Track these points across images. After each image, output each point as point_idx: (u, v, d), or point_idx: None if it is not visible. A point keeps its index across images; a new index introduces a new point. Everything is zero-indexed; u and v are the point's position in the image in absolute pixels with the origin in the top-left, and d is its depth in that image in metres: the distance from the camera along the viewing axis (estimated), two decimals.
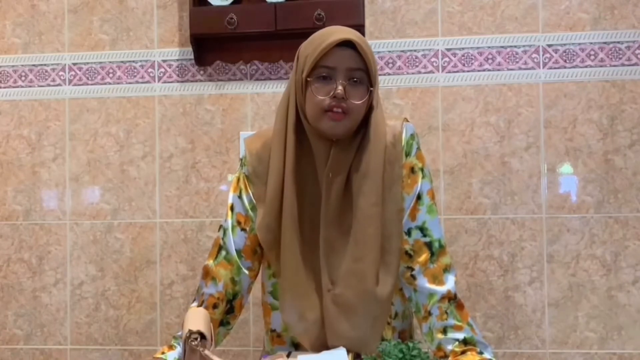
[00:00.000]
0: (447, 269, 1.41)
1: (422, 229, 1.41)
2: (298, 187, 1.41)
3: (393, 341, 1.23)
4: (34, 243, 2.32)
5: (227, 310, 1.47)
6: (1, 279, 2.33)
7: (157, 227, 2.27)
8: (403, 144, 1.42)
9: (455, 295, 1.40)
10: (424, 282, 1.40)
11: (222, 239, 1.48)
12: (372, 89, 1.37)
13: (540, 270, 2.15)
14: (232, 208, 1.48)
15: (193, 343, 1.25)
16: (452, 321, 1.37)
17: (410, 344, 1.21)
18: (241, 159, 1.52)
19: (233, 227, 1.47)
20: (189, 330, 1.26)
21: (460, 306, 1.40)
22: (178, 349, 1.41)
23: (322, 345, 1.41)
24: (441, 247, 1.42)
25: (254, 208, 1.47)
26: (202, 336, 1.26)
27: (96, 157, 2.30)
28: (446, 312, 1.38)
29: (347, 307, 1.38)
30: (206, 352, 1.24)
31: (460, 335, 1.37)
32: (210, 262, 1.47)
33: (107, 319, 2.29)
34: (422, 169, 1.43)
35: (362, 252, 1.37)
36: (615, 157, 2.13)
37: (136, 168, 2.29)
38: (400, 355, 1.19)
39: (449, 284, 1.40)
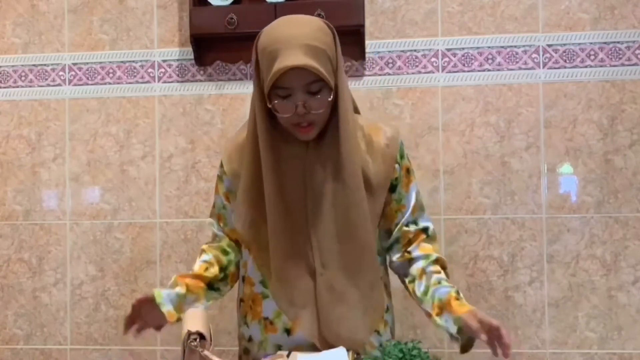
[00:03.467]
0: (437, 250, 1.52)
1: (416, 223, 1.52)
2: (277, 176, 1.42)
3: (393, 341, 1.24)
4: (34, 243, 2.32)
5: (220, 278, 1.54)
6: (1, 279, 2.33)
7: (157, 227, 2.27)
8: (398, 147, 1.49)
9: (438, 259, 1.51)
10: (419, 251, 1.50)
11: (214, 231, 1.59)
12: (333, 86, 1.36)
13: (540, 270, 2.14)
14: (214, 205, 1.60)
15: (192, 344, 1.25)
16: (444, 277, 1.48)
17: (410, 344, 1.21)
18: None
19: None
20: (188, 331, 1.26)
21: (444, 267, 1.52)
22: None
23: (315, 330, 1.43)
24: (433, 234, 1.54)
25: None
26: (202, 337, 1.26)
27: (96, 157, 2.30)
28: (439, 270, 1.48)
29: (339, 290, 1.42)
30: (205, 352, 1.24)
31: (452, 288, 1.44)
32: (205, 246, 1.58)
33: (107, 319, 2.29)
34: (413, 172, 1.54)
35: (351, 235, 1.42)
36: (615, 157, 2.13)
37: (136, 168, 2.29)
38: (400, 355, 1.20)
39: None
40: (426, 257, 1.49)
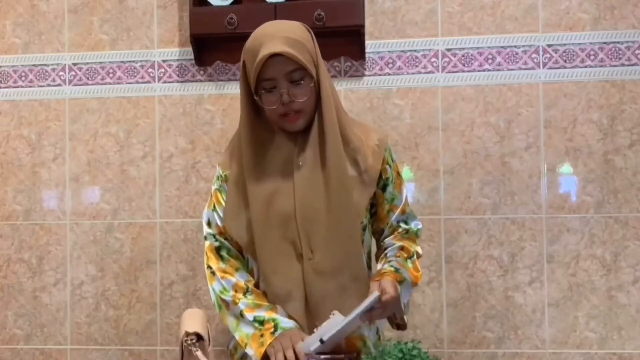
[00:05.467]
0: (410, 245, 1.58)
1: (407, 222, 1.60)
2: (259, 165, 1.48)
3: (393, 341, 1.24)
4: (34, 243, 2.32)
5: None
6: (1, 279, 2.33)
7: (157, 227, 2.27)
8: (387, 149, 1.56)
9: (415, 254, 1.57)
10: (390, 240, 1.59)
11: (214, 242, 1.56)
12: (314, 75, 1.45)
13: (540, 270, 2.14)
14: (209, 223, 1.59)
15: (188, 344, 1.25)
16: (397, 258, 1.53)
17: (410, 344, 1.21)
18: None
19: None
20: (185, 332, 1.26)
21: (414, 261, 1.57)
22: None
23: (303, 315, 1.47)
24: (414, 233, 1.61)
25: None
26: (199, 337, 1.26)
27: (96, 157, 2.30)
28: (398, 255, 1.55)
29: (327, 275, 1.46)
30: (197, 353, 1.24)
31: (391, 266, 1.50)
32: (219, 264, 1.53)
33: (107, 319, 2.29)
34: (401, 175, 1.62)
35: (339, 220, 1.46)
36: (615, 157, 2.13)
37: (136, 168, 2.29)
38: (400, 355, 1.20)
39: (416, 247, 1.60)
40: (393, 244, 1.57)
